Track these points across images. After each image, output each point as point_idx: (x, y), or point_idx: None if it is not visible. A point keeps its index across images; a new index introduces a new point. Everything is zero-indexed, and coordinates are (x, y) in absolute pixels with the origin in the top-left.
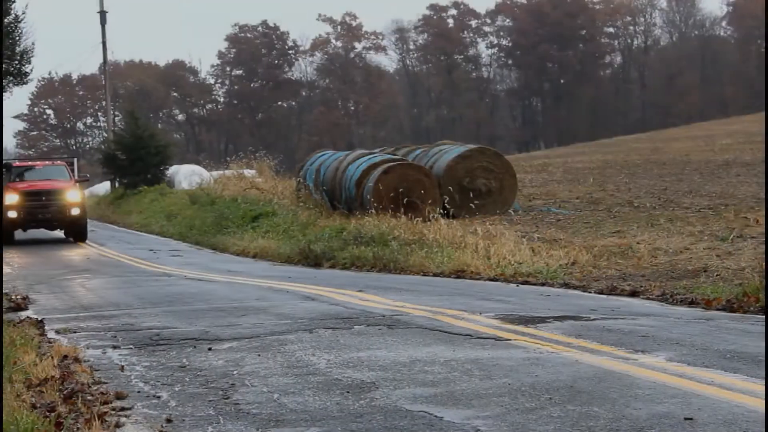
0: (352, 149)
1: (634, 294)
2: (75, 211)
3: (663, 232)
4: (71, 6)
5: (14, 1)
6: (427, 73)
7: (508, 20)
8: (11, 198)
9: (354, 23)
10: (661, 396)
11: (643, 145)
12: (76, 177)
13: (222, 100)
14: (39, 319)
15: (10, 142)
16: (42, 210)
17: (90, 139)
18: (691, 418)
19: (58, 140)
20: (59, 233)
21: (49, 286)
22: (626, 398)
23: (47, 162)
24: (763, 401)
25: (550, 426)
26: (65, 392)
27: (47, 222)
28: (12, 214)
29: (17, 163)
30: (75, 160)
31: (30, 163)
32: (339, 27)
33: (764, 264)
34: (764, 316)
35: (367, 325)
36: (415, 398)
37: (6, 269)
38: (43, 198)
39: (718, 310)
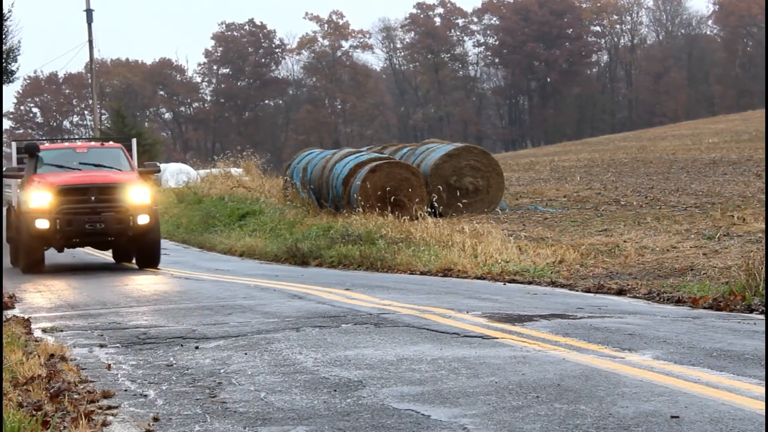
0: (339, 148)
1: (621, 292)
2: (142, 219)
3: (650, 230)
4: (58, 4)
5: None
6: (414, 71)
7: (495, 19)
8: (39, 198)
9: (341, 22)
10: (647, 394)
11: (629, 144)
12: (136, 165)
13: (209, 98)
14: (26, 317)
15: None
16: (91, 217)
17: (76, 137)
18: (677, 416)
19: (44, 139)
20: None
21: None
22: (613, 396)
23: (93, 143)
24: (750, 399)
25: (537, 424)
26: (52, 391)
27: (99, 236)
28: (41, 224)
29: (47, 145)
30: (133, 141)
31: (67, 144)
32: (326, 25)
33: (764, 264)
34: (764, 318)
35: (355, 324)
36: (402, 397)
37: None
38: (93, 198)
39: (704, 308)
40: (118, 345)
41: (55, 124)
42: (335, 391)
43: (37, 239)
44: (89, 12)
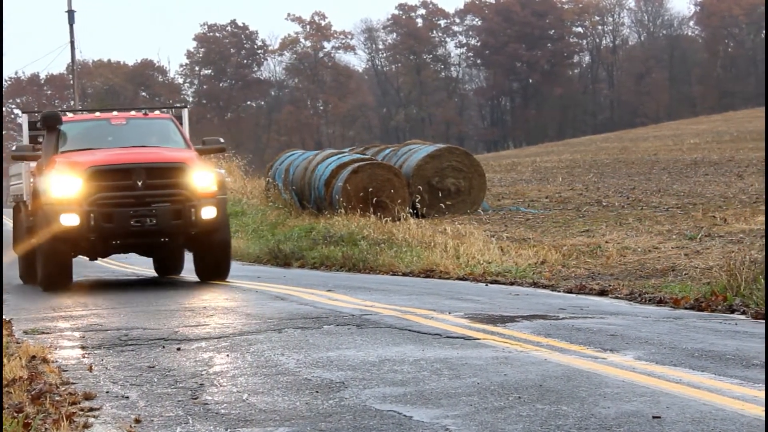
0: (322, 149)
1: (602, 293)
2: (208, 213)
3: (631, 231)
4: (39, 5)
5: None
6: (396, 72)
7: (477, 20)
8: (64, 185)
9: (323, 23)
10: (629, 395)
11: (611, 145)
12: (188, 141)
13: (191, 99)
14: (7, 319)
15: None
16: (138, 210)
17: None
18: (659, 417)
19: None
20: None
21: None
22: (595, 397)
23: (133, 113)
24: (731, 399)
25: (519, 425)
26: (33, 393)
27: (149, 236)
28: (68, 221)
29: (70, 117)
30: (184, 113)
31: (98, 114)
32: (308, 26)
33: (765, 264)
34: (765, 319)
35: (337, 325)
36: (385, 398)
37: None
38: (140, 184)
39: (686, 308)
40: (99, 346)
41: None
42: (317, 392)
43: (62, 242)
44: (71, 13)
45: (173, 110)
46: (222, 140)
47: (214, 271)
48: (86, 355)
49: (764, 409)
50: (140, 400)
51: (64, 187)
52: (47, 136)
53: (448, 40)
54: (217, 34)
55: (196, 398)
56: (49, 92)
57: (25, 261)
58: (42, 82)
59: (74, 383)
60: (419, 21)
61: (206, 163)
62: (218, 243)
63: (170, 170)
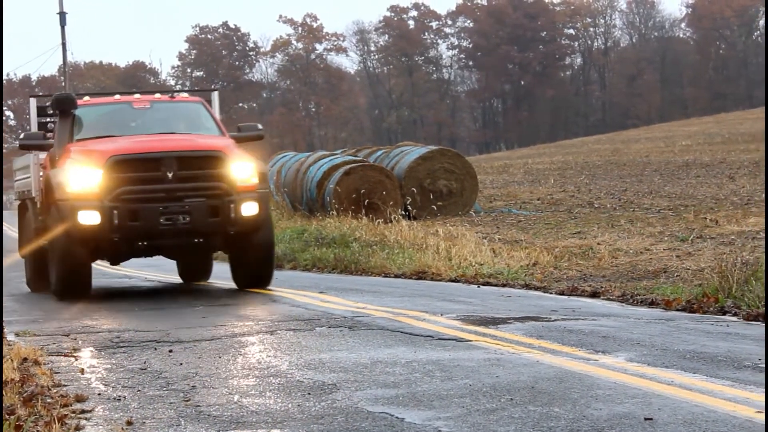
0: (313, 151)
1: (594, 295)
2: (249, 209)
3: (623, 232)
4: (31, 7)
5: None
6: (388, 74)
7: (468, 22)
8: (82, 178)
9: (315, 24)
10: (621, 396)
11: (603, 146)
12: (222, 127)
13: None
14: None
15: None
16: (169, 206)
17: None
18: (651, 419)
19: (17, 142)
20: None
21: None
22: (587, 399)
23: (158, 96)
24: (723, 401)
25: (510, 427)
26: (25, 395)
27: (182, 237)
28: (88, 219)
29: (87, 100)
30: (214, 96)
31: (119, 97)
32: (300, 28)
33: (765, 265)
34: (765, 320)
35: (329, 327)
36: (377, 399)
37: None
38: (170, 176)
39: (677, 310)
40: (91, 348)
41: (28, 127)
42: (309, 394)
43: (80, 244)
44: (62, 15)
45: (201, 94)
46: (260, 126)
47: (254, 277)
48: (78, 357)
49: (757, 410)
50: (132, 402)
51: (82, 180)
52: (60, 123)
53: (439, 41)
54: (209, 36)
55: (188, 400)
56: (40, 94)
57: (33, 266)
58: (33, 84)
59: (66, 385)
60: (411, 23)
61: (243, 151)
62: (260, 244)
63: (205, 160)
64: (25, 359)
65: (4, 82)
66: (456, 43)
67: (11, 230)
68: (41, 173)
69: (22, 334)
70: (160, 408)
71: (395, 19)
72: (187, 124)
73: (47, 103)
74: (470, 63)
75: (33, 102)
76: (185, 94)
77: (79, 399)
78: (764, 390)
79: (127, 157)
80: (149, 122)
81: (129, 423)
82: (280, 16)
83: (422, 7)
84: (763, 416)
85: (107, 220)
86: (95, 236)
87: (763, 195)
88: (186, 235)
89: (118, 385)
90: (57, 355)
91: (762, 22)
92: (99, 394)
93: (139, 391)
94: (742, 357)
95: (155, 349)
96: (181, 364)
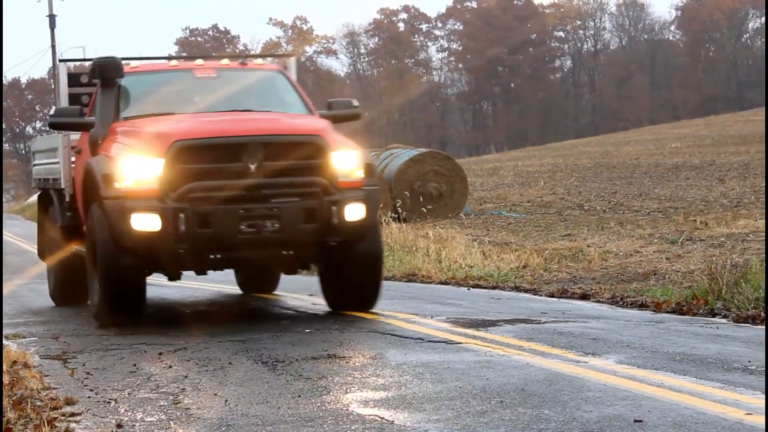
0: None
1: (584, 297)
2: (354, 212)
3: (613, 235)
4: (20, 9)
5: None
6: (378, 77)
7: (458, 24)
8: (136, 169)
9: (305, 27)
10: (611, 398)
11: (593, 149)
12: (310, 103)
13: None
14: None
15: None
16: (252, 208)
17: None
18: (641, 420)
19: (7, 144)
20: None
21: None
22: (577, 401)
23: (225, 62)
24: (712, 403)
25: (501, 429)
26: (14, 398)
27: (267, 248)
28: (144, 224)
29: (137, 66)
30: (292, 62)
31: (176, 63)
32: (290, 31)
33: (765, 265)
34: (765, 322)
35: (319, 329)
36: (366, 402)
37: None
38: (252, 168)
39: (667, 312)
40: (81, 351)
41: (18, 129)
42: (299, 396)
43: (133, 255)
44: (52, 17)
45: (276, 60)
46: (356, 102)
47: (355, 296)
48: (68, 360)
49: (746, 412)
50: (122, 405)
51: (137, 172)
52: (102, 95)
53: (429, 44)
54: (199, 39)
55: (177, 403)
56: (30, 96)
57: (60, 276)
58: (23, 86)
59: (56, 388)
60: (401, 25)
61: (341, 136)
62: (364, 257)
63: (299, 147)
64: (14, 362)
65: None
66: (446, 45)
67: (9, 236)
68: (73, 159)
69: (12, 337)
70: (150, 410)
71: (385, 21)
72: (265, 99)
73: (81, 71)
74: (460, 65)
75: (63, 68)
76: (260, 60)
77: (69, 402)
78: (762, 392)
79: (198, 142)
80: (216, 96)
81: (119, 425)
82: (270, 19)
83: (412, 10)
84: (753, 418)
85: (171, 225)
86: (154, 246)
87: (753, 197)
88: (273, 246)
89: (107, 387)
90: (47, 358)
91: (751, 24)
92: (89, 397)
93: (128, 393)
94: (731, 359)
95: (145, 351)
96: (171, 367)
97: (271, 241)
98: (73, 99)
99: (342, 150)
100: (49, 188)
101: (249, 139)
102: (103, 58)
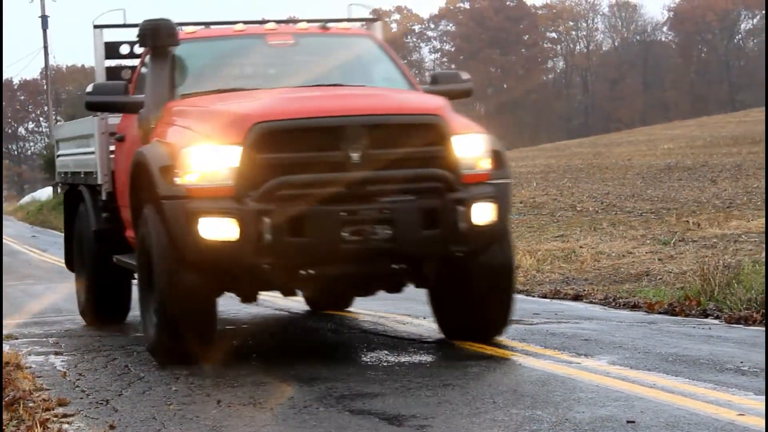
0: None
1: (577, 298)
2: (483, 213)
3: (606, 236)
4: (12, 10)
5: None
6: None
7: (451, 25)
8: (205, 159)
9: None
10: (603, 399)
11: (585, 150)
12: (410, 76)
13: None
14: None
15: None
16: (359, 209)
17: (32, 144)
18: (633, 421)
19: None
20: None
21: None
22: (569, 402)
23: (301, 26)
24: (705, 403)
25: (493, 430)
26: (6, 399)
27: (377, 261)
28: (218, 231)
29: (194, 32)
30: (377, 25)
31: (242, 27)
32: None
33: (765, 265)
34: (765, 324)
35: (311, 329)
36: (361, 402)
37: None
38: (354, 157)
39: (660, 313)
40: (74, 352)
41: (10, 131)
42: (292, 397)
43: (202, 270)
44: (44, 18)
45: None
46: (466, 76)
47: (480, 319)
48: (60, 361)
49: (738, 413)
50: (115, 405)
51: (206, 164)
52: (153, 67)
53: (422, 45)
54: None
55: (170, 404)
56: (22, 98)
57: (93, 291)
58: (15, 87)
59: (48, 389)
60: (394, 26)
61: (463, 119)
62: (494, 269)
63: (415, 131)
64: (7, 363)
65: None
66: (438, 46)
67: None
68: (112, 147)
69: (5, 338)
70: (143, 411)
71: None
72: (356, 72)
73: (123, 41)
74: (453, 66)
75: (99, 35)
76: (345, 25)
77: (62, 403)
78: (754, 393)
79: (287, 124)
80: (296, 68)
81: (112, 427)
82: (264, 20)
83: (405, 11)
84: (745, 419)
85: (252, 233)
86: (229, 260)
87: (745, 198)
88: (382, 260)
89: (100, 388)
90: (39, 359)
91: (744, 26)
92: (81, 398)
93: (121, 394)
94: (724, 360)
95: (138, 352)
96: (164, 367)
97: (381, 253)
98: (112, 73)
99: (465, 134)
100: (80, 184)
101: (352, 120)
102: (154, 20)
